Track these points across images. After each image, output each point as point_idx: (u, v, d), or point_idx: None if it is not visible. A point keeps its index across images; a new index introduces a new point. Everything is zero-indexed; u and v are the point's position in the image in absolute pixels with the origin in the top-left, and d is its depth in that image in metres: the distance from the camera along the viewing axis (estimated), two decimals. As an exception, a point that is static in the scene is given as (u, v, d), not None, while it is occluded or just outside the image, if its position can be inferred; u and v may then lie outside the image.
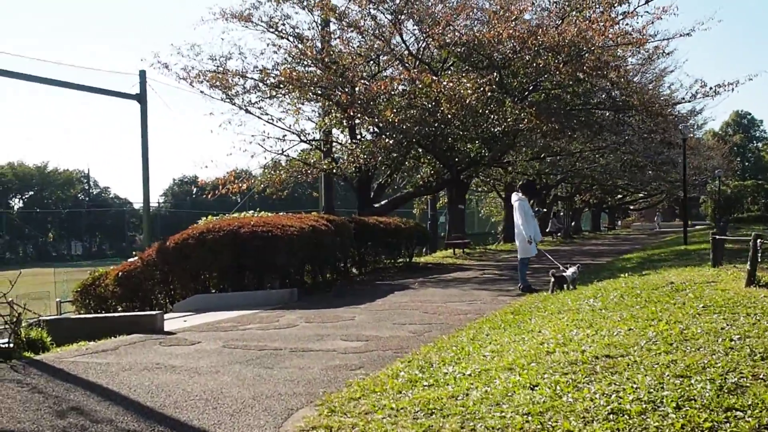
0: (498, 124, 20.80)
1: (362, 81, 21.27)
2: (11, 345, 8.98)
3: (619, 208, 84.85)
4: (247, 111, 25.68)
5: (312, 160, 24.93)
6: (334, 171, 25.25)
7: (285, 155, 26.29)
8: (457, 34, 20.81)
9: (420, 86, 19.51)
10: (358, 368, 7.86)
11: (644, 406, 5.09)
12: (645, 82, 31.90)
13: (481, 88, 19.12)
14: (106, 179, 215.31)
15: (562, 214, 55.29)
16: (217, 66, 24.78)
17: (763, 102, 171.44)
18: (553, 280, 13.29)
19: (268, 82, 24.91)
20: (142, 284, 15.76)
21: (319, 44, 23.73)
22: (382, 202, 26.84)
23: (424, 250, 31.11)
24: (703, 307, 8.18)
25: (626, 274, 14.28)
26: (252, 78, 24.94)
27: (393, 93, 20.16)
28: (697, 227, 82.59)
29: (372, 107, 20.73)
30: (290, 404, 6.38)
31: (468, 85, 18.88)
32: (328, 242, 16.78)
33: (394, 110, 19.55)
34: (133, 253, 18.68)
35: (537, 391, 5.72)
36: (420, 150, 23.91)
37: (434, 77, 19.56)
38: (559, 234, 49.48)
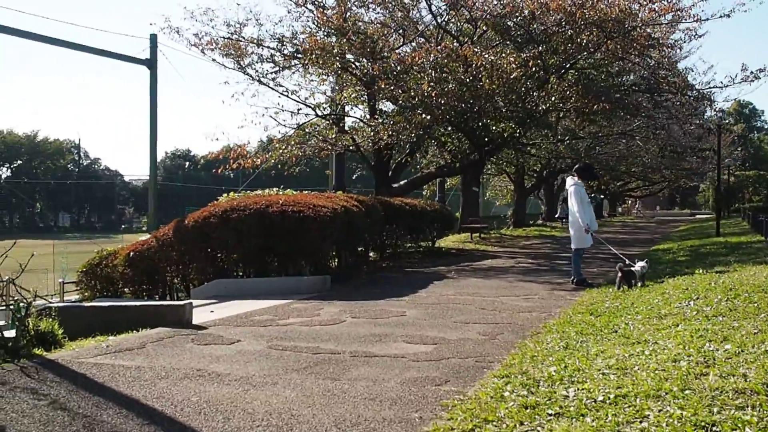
0: (543, 102, 19.36)
1: (395, 51, 19.77)
2: (19, 339, 7.58)
3: (620, 194, 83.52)
4: (260, 82, 24.21)
5: (331, 137, 23.41)
6: (351, 148, 23.83)
7: (302, 129, 24.77)
8: (494, 3, 19.25)
9: (457, 59, 18.03)
10: (443, 382, 6.52)
11: None
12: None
13: (526, 63, 17.75)
14: (97, 150, 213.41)
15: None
16: (232, 33, 23.27)
17: (765, 92, 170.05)
18: (620, 275, 11.91)
19: (285, 51, 23.43)
20: (156, 266, 14.30)
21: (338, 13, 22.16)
22: (401, 183, 25.38)
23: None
24: None
25: (700, 271, 12.94)
26: (268, 47, 23.44)
27: (427, 65, 18.64)
28: (698, 216, 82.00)
29: (404, 79, 19.25)
30: (387, 436, 5.04)
31: (511, 59, 17.47)
32: (360, 225, 15.37)
33: (431, 83, 18.08)
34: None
35: (725, 436, 4.38)
36: (449, 128, 22.44)
37: (475, 50, 18.09)
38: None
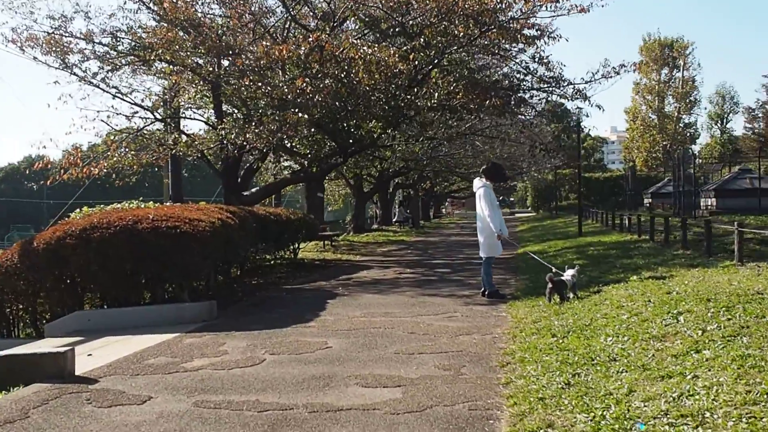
0: (428, 99, 18.06)
1: (263, 43, 17.78)
2: None
3: (445, 196, 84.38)
4: (90, 83, 21.54)
5: (173, 142, 21.10)
6: (197, 154, 21.66)
7: (142, 134, 22.34)
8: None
9: (331, 52, 16.43)
10: (454, 446, 5.05)
11: None
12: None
13: (408, 57, 16.44)
14: None
15: (407, 202, 53.42)
16: (56, 27, 20.52)
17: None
18: (550, 285, 10.75)
19: (120, 48, 21.00)
20: (1, 298, 11.85)
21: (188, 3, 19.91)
22: (253, 190, 23.40)
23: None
24: None
25: (633, 278, 12.02)
26: (101, 43, 20.89)
27: (296, 59, 16.88)
28: (519, 215, 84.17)
29: (270, 75, 17.42)
30: None
31: (392, 51, 16.07)
32: (237, 239, 13.50)
33: (307, 78, 16.34)
34: None
35: None
36: (312, 129, 20.73)
37: (354, 41, 16.53)
38: (406, 224, 47.57)
